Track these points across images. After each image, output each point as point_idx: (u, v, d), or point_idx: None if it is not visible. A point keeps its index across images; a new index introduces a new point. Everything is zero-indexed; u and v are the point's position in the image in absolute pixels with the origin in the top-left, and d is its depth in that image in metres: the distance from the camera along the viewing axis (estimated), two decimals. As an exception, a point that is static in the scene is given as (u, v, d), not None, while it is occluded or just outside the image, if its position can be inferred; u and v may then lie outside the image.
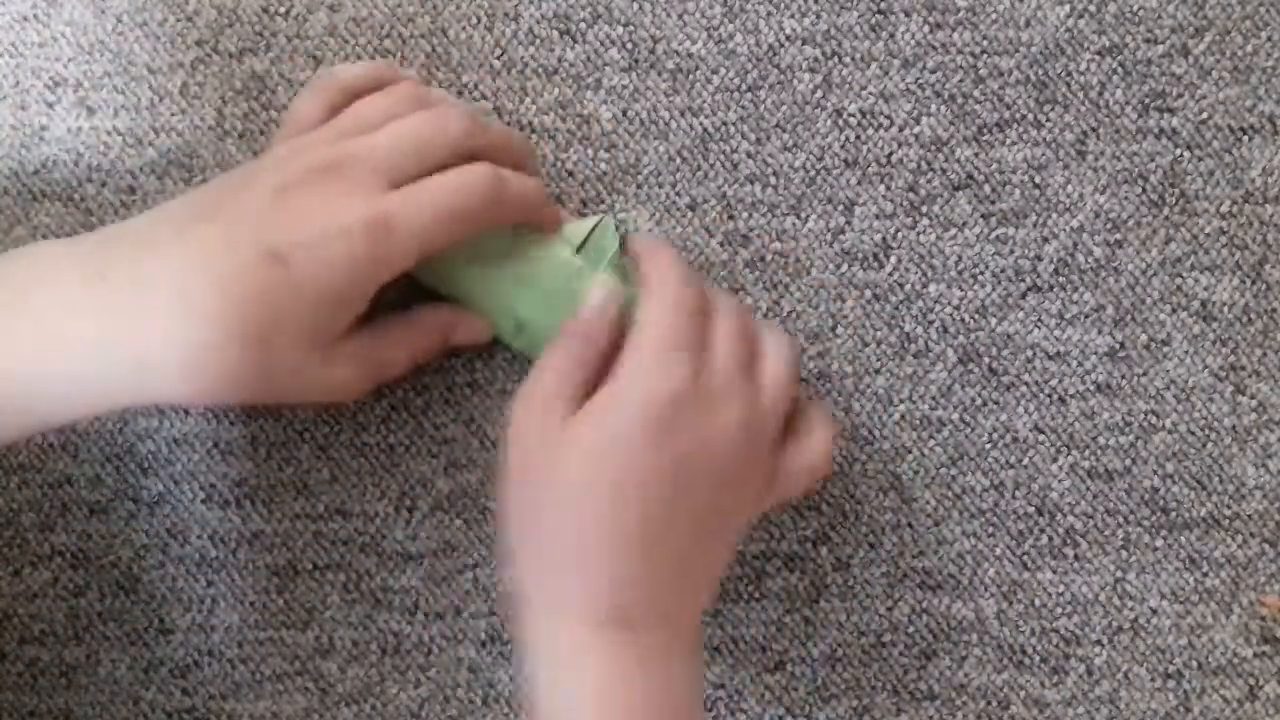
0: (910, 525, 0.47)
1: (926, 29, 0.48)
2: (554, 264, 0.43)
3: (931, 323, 0.48)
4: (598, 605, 0.38)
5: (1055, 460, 0.47)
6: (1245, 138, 0.48)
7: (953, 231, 0.48)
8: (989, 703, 0.47)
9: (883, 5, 0.48)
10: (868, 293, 0.48)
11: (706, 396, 0.39)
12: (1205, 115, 0.48)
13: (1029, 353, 0.48)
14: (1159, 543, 0.47)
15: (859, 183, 0.48)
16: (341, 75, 0.43)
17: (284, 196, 0.38)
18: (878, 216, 0.48)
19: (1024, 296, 0.48)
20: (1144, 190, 0.48)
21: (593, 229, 0.43)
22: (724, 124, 0.48)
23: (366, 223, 0.38)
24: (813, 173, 0.48)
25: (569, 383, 0.40)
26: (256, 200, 0.38)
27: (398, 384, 0.46)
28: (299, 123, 0.43)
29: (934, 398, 0.47)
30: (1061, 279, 0.48)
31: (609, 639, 0.38)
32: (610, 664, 0.38)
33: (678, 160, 0.48)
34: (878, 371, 0.47)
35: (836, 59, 0.48)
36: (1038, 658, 0.47)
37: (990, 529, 0.47)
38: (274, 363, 0.38)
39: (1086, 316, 0.48)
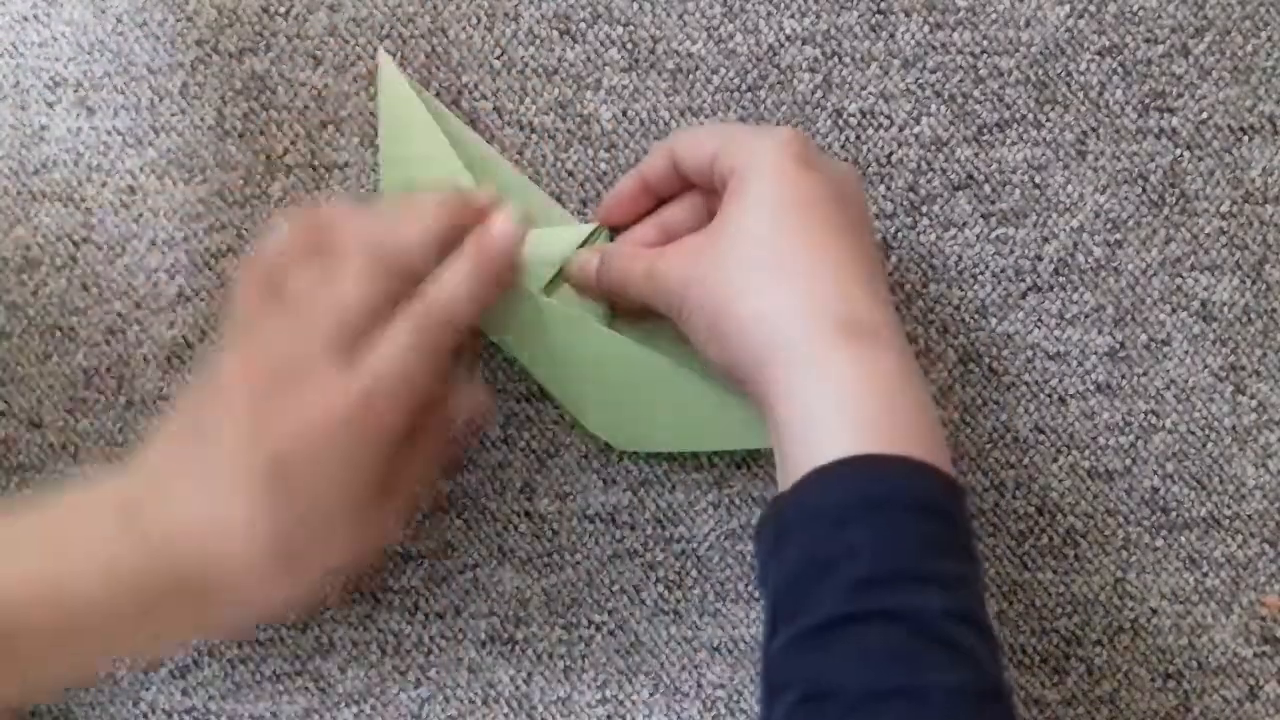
0: (910, 525, 0.47)
1: (926, 29, 0.48)
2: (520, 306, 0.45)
3: (931, 323, 0.48)
4: (843, 312, 0.38)
5: (1055, 460, 0.47)
6: (1245, 138, 0.48)
7: (953, 231, 0.48)
8: (989, 703, 0.47)
9: (883, 5, 0.48)
10: (868, 293, 0.48)
11: (810, 141, 0.41)
12: (1205, 115, 0.48)
13: (1029, 353, 0.48)
14: (1159, 543, 0.47)
15: (859, 183, 0.48)
16: (264, 260, 0.42)
17: (258, 401, 0.38)
18: (878, 216, 0.48)
19: (1024, 296, 0.48)
20: (1144, 190, 0.48)
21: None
22: (724, 124, 0.48)
23: (345, 416, 0.38)
24: (813, 173, 0.48)
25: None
26: (234, 408, 0.39)
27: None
28: (246, 318, 0.41)
29: (934, 398, 0.47)
30: (1061, 279, 0.48)
31: (864, 352, 0.38)
32: (878, 376, 0.38)
33: (678, 160, 0.48)
34: (878, 371, 0.47)
35: (836, 59, 0.48)
36: (1038, 658, 0.47)
37: (990, 529, 0.47)
38: (311, 561, 0.39)
39: (1086, 316, 0.48)
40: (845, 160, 0.48)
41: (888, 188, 0.48)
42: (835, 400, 0.37)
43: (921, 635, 0.35)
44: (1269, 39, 0.48)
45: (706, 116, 0.48)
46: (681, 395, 0.44)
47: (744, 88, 0.48)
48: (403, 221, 0.41)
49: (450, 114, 0.47)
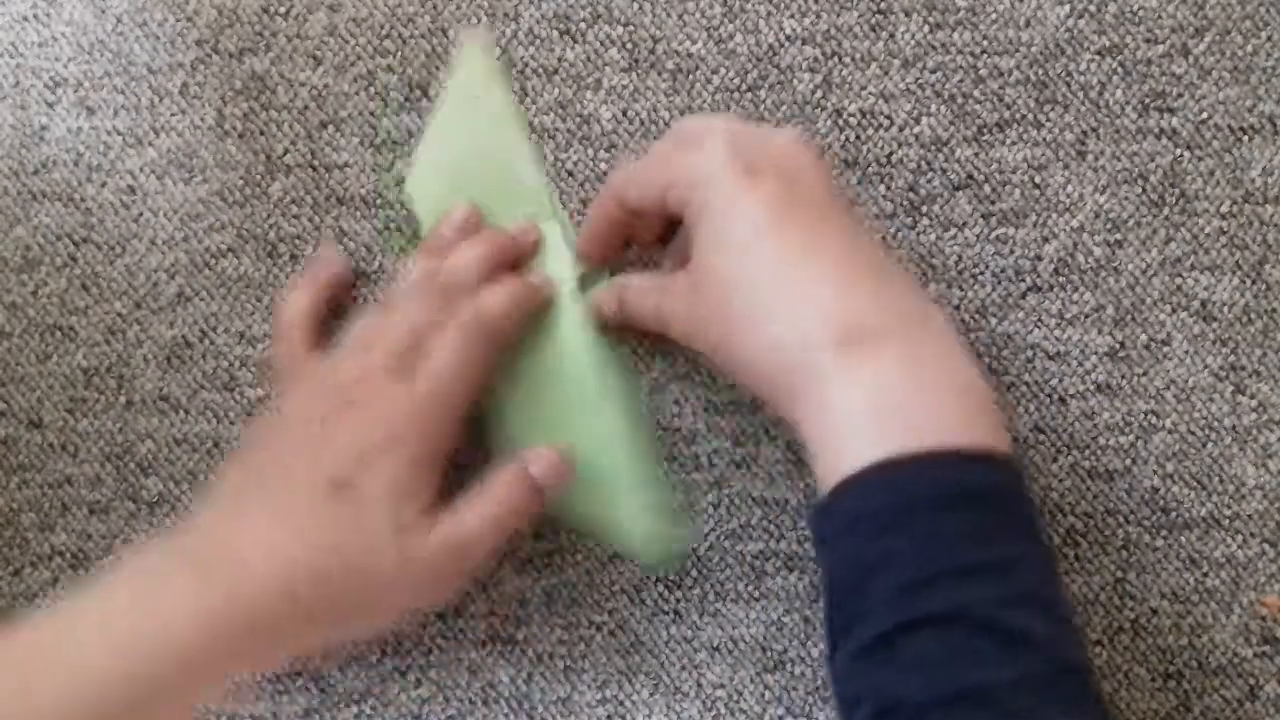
0: (910, 525, 0.47)
1: (926, 29, 0.48)
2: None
3: (931, 323, 0.48)
4: (835, 326, 0.38)
5: (1055, 460, 0.47)
6: (1245, 138, 0.48)
7: (953, 231, 0.48)
8: (989, 703, 0.47)
9: (883, 5, 0.48)
10: (868, 293, 0.48)
11: (750, 128, 0.41)
12: (1205, 115, 0.48)
13: (1029, 353, 0.48)
14: (1159, 543, 0.47)
15: (859, 183, 0.48)
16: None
17: (320, 428, 0.41)
18: (878, 216, 0.48)
19: (1024, 296, 0.48)
20: (1144, 190, 0.48)
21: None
22: (724, 124, 0.48)
23: (405, 424, 0.41)
24: (813, 173, 0.48)
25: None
26: (296, 441, 0.41)
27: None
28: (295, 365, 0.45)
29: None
30: (1061, 279, 0.48)
31: (867, 356, 0.37)
32: (885, 375, 0.37)
33: (678, 160, 0.48)
34: (878, 371, 0.47)
35: (836, 59, 0.48)
36: (1038, 658, 0.47)
37: (990, 529, 0.47)
38: (380, 580, 0.40)
39: (1086, 316, 0.48)
40: (843, 157, 0.48)
41: (888, 188, 0.48)
42: (847, 415, 0.37)
43: (979, 630, 0.34)
44: (1269, 39, 0.48)
45: (706, 116, 0.48)
46: (603, 461, 0.45)
47: (744, 88, 0.48)
48: (455, 249, 0.44)
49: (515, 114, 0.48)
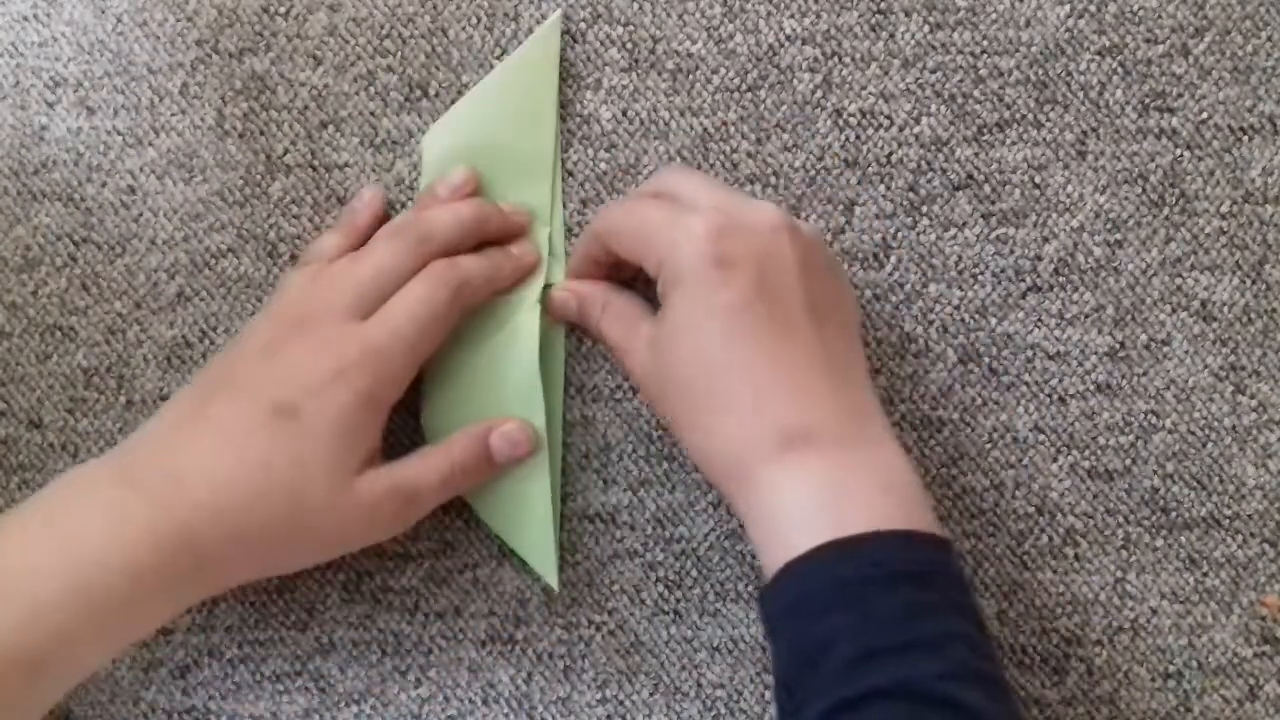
0: (910, 525, 0.47)
1: (926, 29, 0.48)
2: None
3: (931, 323, 0.48)
4: (774, 437, 0.39)
5: (1055, 460, 0.47)
6: (1245, 138, 0.48)
7: (953, 231, 0.48)
8: (989, 703, 0.47)
9: (883, 5, 0.48)
10: (868, 293, 0.48)
11: (731, 214, 0.41)
12: (1205, 115, 0.48)
13: (1029, 353, 0.48)
14: (1159, 543, 0.47)
15: (859, 183, 0.48)
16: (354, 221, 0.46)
17: (271, 354, 0.41)
18: (878, 216, 0.48)
19: (1024, 296, 0.48)
20: (1144, 190, 0.48)
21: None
22: (724, 124, 0.48)
23: (357, 359, 0.41)
24: (813, 173, 0.48)
25: (631, 306, 0.44)
26: (246, 364, 0.41)
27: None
28: (320, 255, 0.45)
29: (934, 398, 0.47)
30: (1061, 279, 0.48)
31: (805, 461, 0.39)
32: (822, 478, 0.38)
33: (678, 160, 0.48)
34: (878, 371, 0.47)
35: (836, 59, 0.48)
36: (1038, 658, 0.47)
37: (990, 529, 0.47)
38: (309, 508, 0.40)
39: (1086, 316, 0.48)
40: (843, 157, 0.48)
41: (888, 188, 0.48)
42: (787, 511, 0.38)
43: (921, 704, 0.35)
44: (1269, 39, 0.48)
45: (707, 117, 0.48)
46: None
47: (744, 88, 0.48)
48: (449, 210, 0.44)
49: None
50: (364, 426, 0.41)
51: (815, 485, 0.38)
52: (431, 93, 0.48)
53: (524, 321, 0.46)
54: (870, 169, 0.48)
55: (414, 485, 0.42)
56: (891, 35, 0.48)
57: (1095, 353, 0.48)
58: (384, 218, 0.46)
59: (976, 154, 0.48)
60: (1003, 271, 0.48)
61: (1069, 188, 0.48)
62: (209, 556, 0.39)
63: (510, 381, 0.45)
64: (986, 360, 0.48)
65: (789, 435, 0.39)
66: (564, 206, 0.48)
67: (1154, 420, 0.47)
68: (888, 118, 0.48)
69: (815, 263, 0.41)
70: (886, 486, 0.39)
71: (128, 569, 0.38)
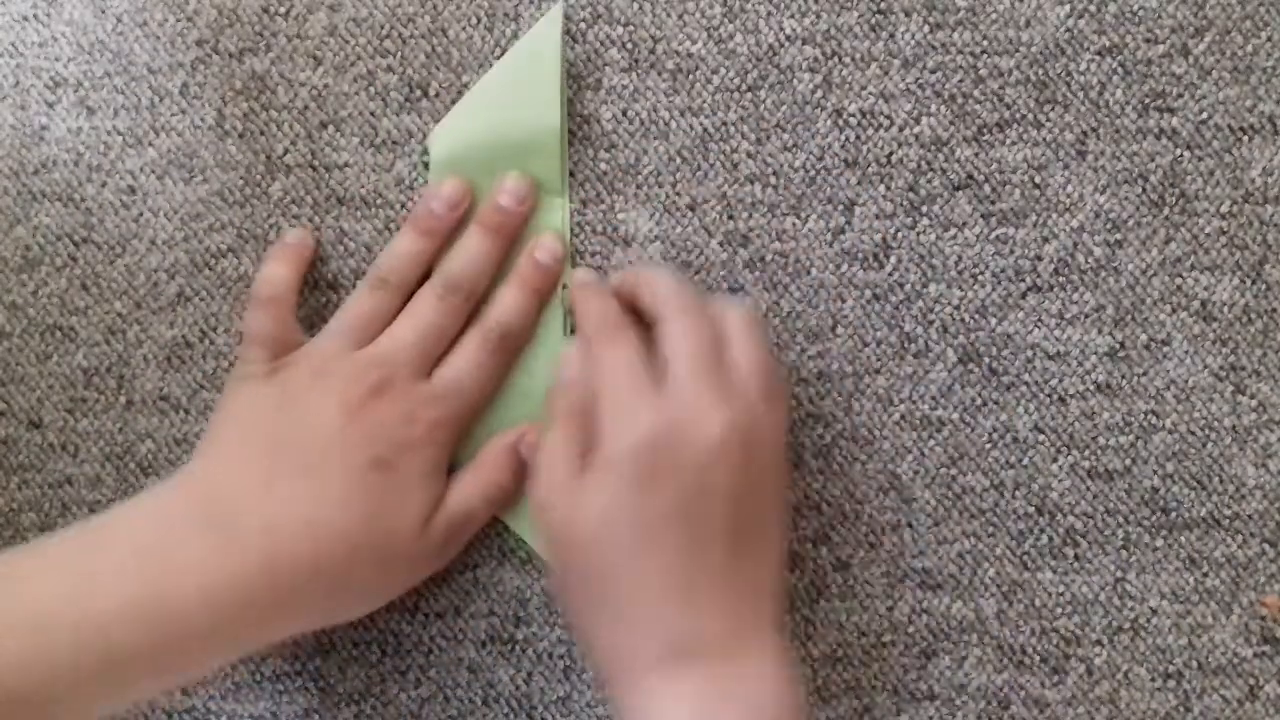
0: (910, 525, 0.47)
1: (926, 29, 0.48)
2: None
3: (931, 323, 0.48)
4: (659, 649, 0.39)
5: (1055, 460, 0.47)
6: (1245, 138, 0.48)
7: (953, 231, 0.48)
8: (989, 703, 0.47)
9: (883, 5, 0.48)
10: (868, 293, 0.48)
11: (680, 423, 0.40)
12: (1205, 115, 0.48)
13: (1029, 353, 0.48)
14: (1159, 543, 0.47)
15: (859, 183, 0.48)
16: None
17: (355, 415, 0.42)
18: (878, 216, 0.48)
19: (1024, 296, 0.48)
20: (1144, 190, 0.48)
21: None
22: (724, 124, 0.48)
23: (437, 416, 0.44)
24: (813, 173, 0.48)
25: (569, 449, 0.42)
26: (329, 420, 0.42)
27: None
28: (360, 326, 0.45)
29: (934, 398, 0.47)
30: (1061, 279, 0.48)
31: (686, 676, 0.39)
32: (697, 700, 0.39)
33: (678, 160, 0.48)
34: (878, 371, 0.47)
35: (836, 59, 0.48)
36: (1038, 658, 0.47)
37: (990, 529, 0.47)
38: (397, 554, 0.43)
39: (1086, 316, 0.48)
40: (843, 157, 0.48)
41: (888, 188, 0.48)
42: None
43: None
44: (1269, 39, 0.48)
45: (707, 117, 0.48)
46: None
47: (744, 88, 0.48)
48: (465, 251, 0.46)
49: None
50: (442, 473, 0.44)
51: (689, 707, 0.39)
52: (431, 93, 0.48)
53: (547, 328, 0.47)
54: (870, 169, 0.48)
55: (465, 512, 0.45)
56: (891, 35, 0.48)
57: (1095, 353, 0.48)
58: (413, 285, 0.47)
59: (976, 154, 0.48)
60: (1003, 271, 0.48)
61: (1069, 188, 0.48)
62: (293, 611, 0.41)
63: (537, 386, 0.46)
64: (986, 360, 0.48)
65: (676, 651, 0.39)
66: (569, 203, 0.48)
67: (1154, 420, 0.47)
68: (888, 118, 0.48)
69: (751, 483, 0.41)
70: (771, 704, 0.39)
71: (209, 629, 0.39)
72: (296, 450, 0.42)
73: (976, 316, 0.48)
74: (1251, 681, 0.47)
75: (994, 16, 0.48)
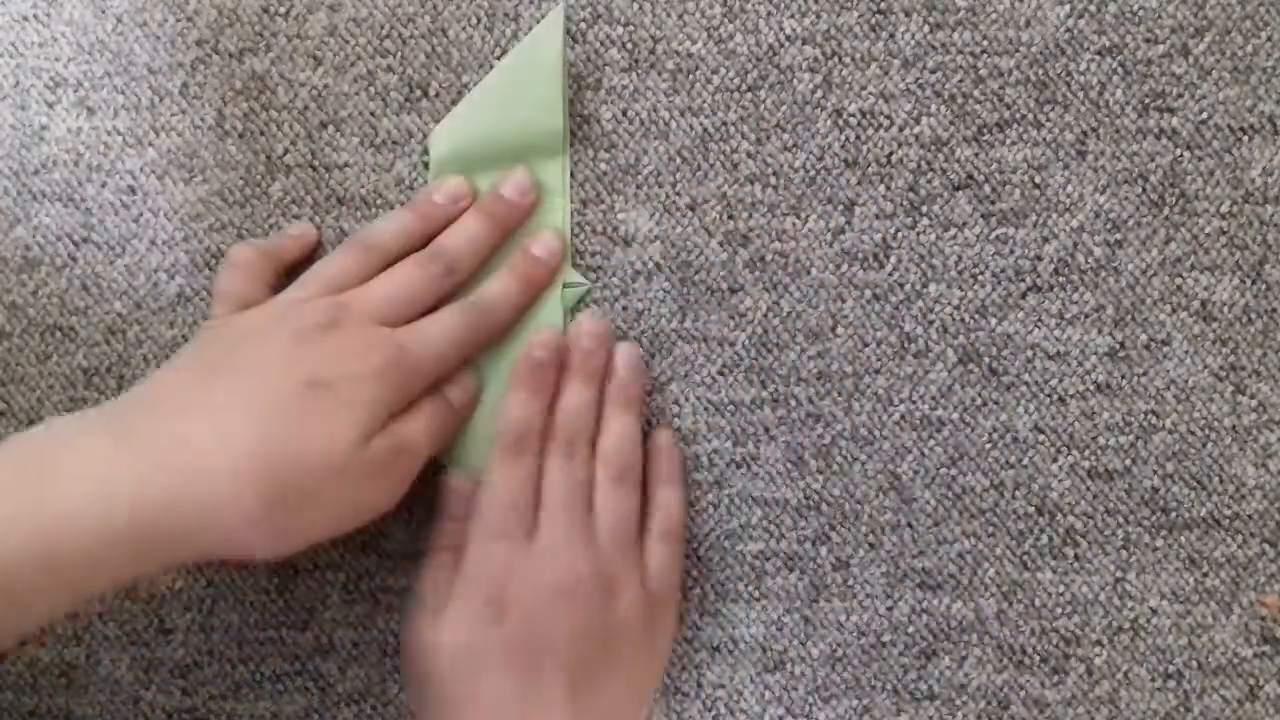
0: (910, 525, 0.47)
1: (926, 29, 0.48)
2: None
3: (931, 323, 0.48)
4: None
5: (1055, 460, 0.47)
6: (1245, 138, 0.48)
7: (953, 231, 0.48)
8: (989, 703, 0.47)
9: (883, 5, 0.48)
10: (868, 293, 0.48)
11: (534, 566, 0.43)
12: (1205, 115, 0.48)
13: (1029, 353, 0.48)
14: (1159, 543, 0.47)
15: (859, 183, 0.48)
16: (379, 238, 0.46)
17: (303, 342, 0.41)
18: (878, 216, 0.48)
19: (1024, 296, 0.48)
20: (1144, 190, 0.48)
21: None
22: (724, 124, 0.48)
23: (392, 357, 0.42)
24: (813, 173, 0.48)
25: (435, 595, 0.44)
26: (273, 348, 0.41)
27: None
28: (331, 280, 0.44)
29: (934, 398, 0.47)
30: (1061, 279, 0.48)
31: None
32: None
33: (678, 160, 0.48)
34: (878, 371, 0.47)
35: (836, 59, 0.48)
36: (1038, 658, 0.47)
37: (990, 529, 0.47)
38: (328, 475, 0.40)
39: (1086, 316, 0.48)
40: (843, 157, 0.48)
41: (888, 188, 0.48)
42: None
43: None
44: (1269, 39, 0.48)
45: (707, 117, 0.48)
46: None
47: (744, 88, 0.48)
48: (457, 228, 0.46)
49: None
50: (388, 407, 0.42)
51: None
52: (431, 93, 0.48)
53: (544, 324, 0.47)
54: (870, 169, 0.48)
55: (405, 443, 0.43)
56: (891, 35, 0.48)
57: (1095, 353, 0.48)
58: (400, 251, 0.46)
59: (976, 154, 0.48)
60: (1003, 271, 0.48)
61: (1069, 188, 0.48)
62: (203, 522, 0.38)
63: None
64: (986, 360, 0.48)
65: None
66: (570, 203, 0.48)
67: (1154, 420, 0.47)
68: (888, 118, 0.48)
69: (606, 630, 0.43)
70: None
71: (102, 532, 0.37)
72: (232, 373, 0.40)
73: (976, 316, 0.48)
74: (1251, 681, 0.47)
75: (994, 16, 0.48)
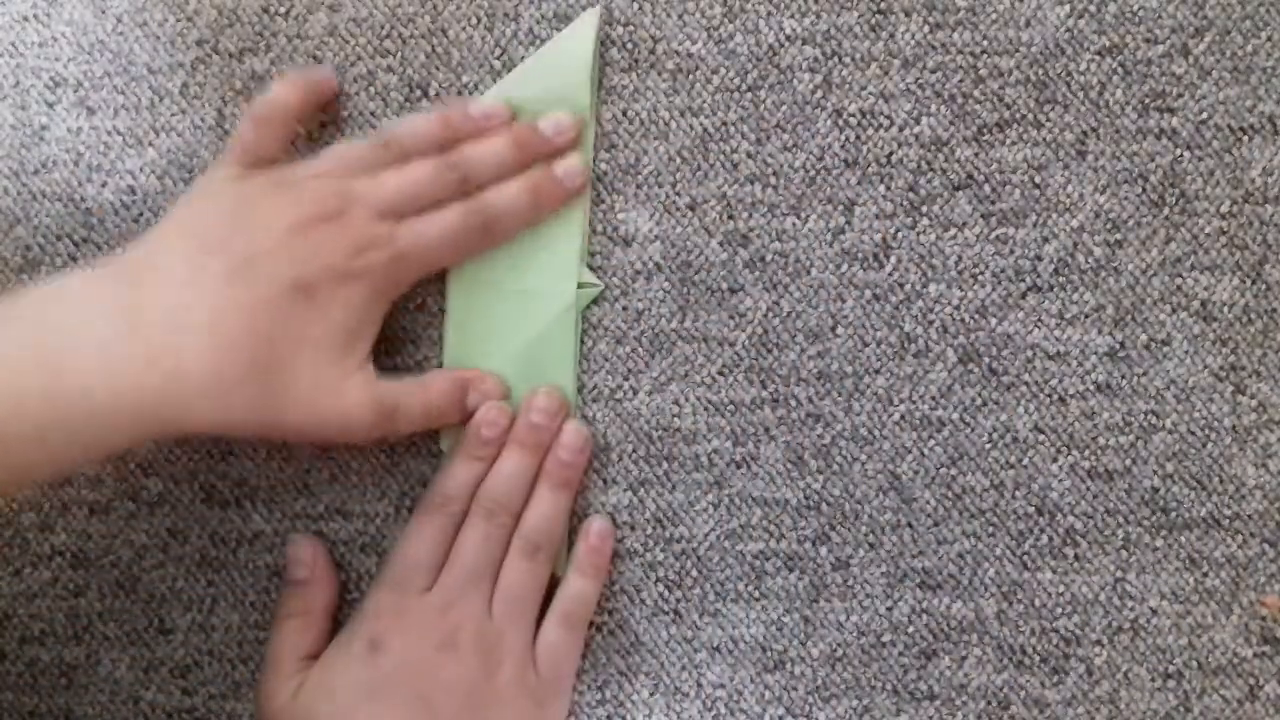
0: (910, 525, 0.47)
1: (926, 29, 0.48)
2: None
3: (931, 323, 0.48)
4: None
5: (1055, 460, 0.47)
6: (1245, 138, 0.48)
7: (953, 231, 0.48)
8: (989, 703, 0.47)
9: (883, 5, 0.48)
10: (868, 293, 0.48)
11: (423, 623, 0.44)
12: (1205, 115, 0.48)
13: (1029, 353, 0.48)
14: (1159, 543, 0.47)
15: (859, 183, 0.48)
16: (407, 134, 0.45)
17: (298, 234, 0.42)
18: (878, 216, 0.48)
19: (1024, 296, 0.48)
20: (1144, 190, 0.48)
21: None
22: (724, 124, 0.48)
23: (383, 258, 0.43)
24: (813, 173, 0.48)
25: (292, 657, 0.45)
26: (272, 239, 0.41)
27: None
28: (347, 164, 0.44)
29: (934, 398, 0.47)
30: (1061, 279, 0.48)
31: None
32: None
33: (678, 160, 0.48)
34: (878, 371, 0.47)
35: (836, 59, 0.48)
36: (1038, 658, 0.47)
37: (990, 529, 0.47)
38: (295, 385, 0.41)
39: (1086, 316, 0.48)
40: (843, 157, 0.48)
41: (888, 188, 0.48)
42: None
43: None
44: (1269, 39, 0.48)
45: (707, 117, 0.48)
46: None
47: (744, 88, 0.48)
48: (482, 144, 0.45)
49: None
50: (370, 323, 0.43)
51: None
52: (431, 93, 0.48)
53: (558, 324, 0.47)
54: (870, 169, 0.48)
55: (395, 402, 0.44)
56: (891, 35, 0.48)
57: (1095, 353, 0.48)
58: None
59: (976, 154, 0.48)
60: (1003, 271, 0.48)
61: (1069, 188, 0.48)
62: (191, 401, 0.40)
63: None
64: (986, 360, 0.48)
65: None
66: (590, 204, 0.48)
67: (1154, 420, 0.47)
68: (888, 118, 0.48)
69: (493, 690, 0.44)
70: None
71: (110, 410, 0.39)
72: (229, 255, 0.41)
73: (976, 316, 0.48)
74: (1251, 681, 0.47)
75: (994, 16, 0.48)
